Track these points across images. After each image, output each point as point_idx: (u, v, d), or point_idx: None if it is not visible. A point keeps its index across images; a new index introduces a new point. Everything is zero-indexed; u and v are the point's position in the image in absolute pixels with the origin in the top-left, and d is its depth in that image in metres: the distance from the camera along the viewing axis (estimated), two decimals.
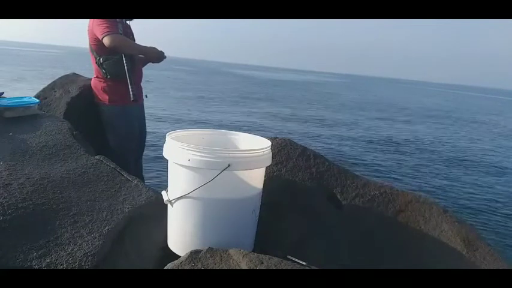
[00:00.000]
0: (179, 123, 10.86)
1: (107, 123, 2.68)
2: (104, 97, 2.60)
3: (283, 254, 1.53)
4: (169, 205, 1.69)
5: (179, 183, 1.61)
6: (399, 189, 2.12)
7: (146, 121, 3.04)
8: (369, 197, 2.02)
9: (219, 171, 1.49)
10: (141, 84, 2.83)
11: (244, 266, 1.32)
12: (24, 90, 11.96)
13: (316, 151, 2.28)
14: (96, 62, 2.55)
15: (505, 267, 1.75)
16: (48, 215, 1.56)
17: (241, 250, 1.41)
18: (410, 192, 2.10)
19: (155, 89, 18.96)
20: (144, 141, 3.04)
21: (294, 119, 14.21)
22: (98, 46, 2.49)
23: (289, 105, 18.95)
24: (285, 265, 1.32)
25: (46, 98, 2.88)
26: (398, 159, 9.09)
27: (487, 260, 1.76)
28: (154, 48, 2.65)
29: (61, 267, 1.34)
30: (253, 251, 1.60)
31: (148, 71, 3.15)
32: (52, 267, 1.33)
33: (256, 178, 1.67)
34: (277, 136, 2.34)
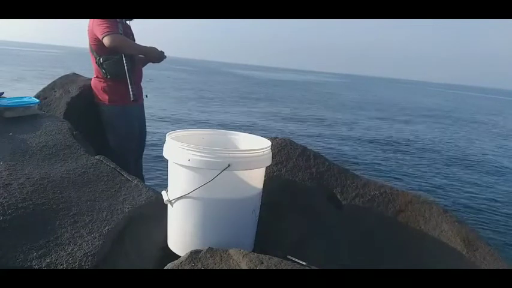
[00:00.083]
0: (179, 123, 10.86)
1: (107, 123, 2.68)
2: (104, 97, 2.60)
3: (283, 254, 1.53)
4: (169, 205, 1.69)
5: (179, 183, 1.61)
6: (399, 189, 2.12)
7: (146, 121, 3.04)
8: (369, 197, 2.02)
9: (219, 171, 1.49)
10: (141, 84, 2.83)
11: (244, 266, 1.32)
12: (24, 90, 11.96)
13: (316, 151, 2.28)
14: (96, 62, 2.55)
15: (505, 267, 1.75)
16: (48, 215, 1.56)
17: (241, 250, 1.41)
18: (410, 192, 2.10)
19: (155, 89, 18.96)
20: (144, 141, 3.04)
21: (294, 119, 14.22)
22: (98, 46, 2.49)
23: (289, 105, 18.95)
24: (285, 265, 1.32)
25: (46, 98, 2.88)
26: (398, 159, 9.09)
27: (487, 260, 1.76)
28: (154, 48, 2.65)
29: (61, 267, 1.34)
30: (253, 251, 1.59)
31: (148, 71, 3.15)
32: (52, 267, 1.33)
33: (256, 178, 1.67)
34: (277, 136, 2.34)
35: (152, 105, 12.63)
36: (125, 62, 2.43)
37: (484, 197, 6.79)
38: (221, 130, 2.02)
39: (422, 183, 7.22)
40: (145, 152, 3.08)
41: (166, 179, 1.71)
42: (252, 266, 1.31)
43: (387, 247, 1.85)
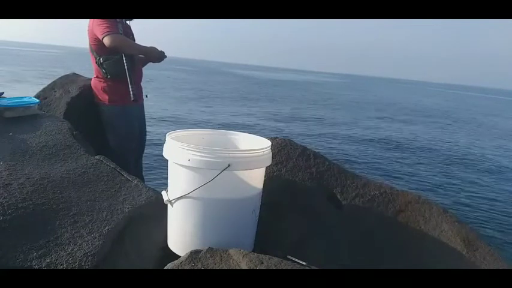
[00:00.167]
0: (179, 123, 10.86)
1: (107, 123, 2.68)
2: (104, 97, 2.60)
3: (283, 254, 1.53)
4: (169, 205, 1.69)
5: (179, 183, 1.61)
6: (399, 189, 2.12)
7: (146, 121, 3.04)
8: (369, 197, 2.02)
9: (219, 171, 1.49)
10: (141, 84, 2.83)
11: (244, 266, 1.32)
12: (24, 90, 11.96)
13: (316, 151, 2.28)
14: (96, 62, 2.55)
15: (505, 267, 1.75)
16: (48, 215, 1.56)
17: (241, 250, 1.41)
18: (410, 192, 2.10)
19: (155, 89, 18.97)
20: (144, 141, 3.04)
21: (294, 119, 14.22)
22: (98, 46, 2.49)
23: (289, 105, 18.96)
24: (285, 265, 1.32)
25: (46, 98, 2.88)
26: (398, 159, 9.09)
27: (487, 260, 1.76)
28: (154, 48, 2.65)
29: (61, 267, 1.34)
30: (253, 251, 1.59)
31: (148, 71, 3.15)
32: (52, 267, 1.33)
33: (256, 178, 1.67)
34: (277, 136, 2.34)
35: (152, 105, 12.64)
36: (125, 62, 2.43)
37: (484, 196, 6.79)
38: (221, 130, 2.02)
39: (422, 183, 7.22)
40: (145, 152, 3.08)
41: (166, 179, 1.71)
42: (252, 266, 1.31)
43: (387, 247, 1.85)
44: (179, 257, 1.48)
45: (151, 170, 5.27)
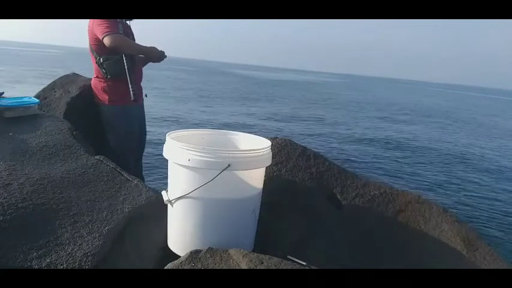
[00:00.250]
0: (179, 123, 10.86)
1: (107, 123, 2.68)
2: (104, 97, 2.60)
3: (283, 254, 1.53)
4: (169, 205, 1.69)
5: (179, 183, 1.61)
6: (399, 189, 2.12)
7: (146, 121, 3.04)
8: (369, 197, 2.02)
9: (219, 171, 1.49)
10: (141, 84, 2.83)
11: (244, 266, 1.32)
12: (24, 90, 11.96)
13: (316, 151, 2.28)
14: (96, 62, 2.55)
15: (505, 267, 1.75)
16: (48, 215, 1.56)
17: (241, 250, 1.41)
18: (410, 192, 2.11)
19: (155, 89, 18.96)
20: (144, 141, 3.04)
21: (294, 119, 14.22)
22: (98, 46, 2.49)
23: (289, 105, 18.95)
24: (285, 265, 1.32)
25: (46, 98, 2.88)
26: (398, 158, 9.09)
27: (487, 260, 1.76)
28: (154, 48, 2.65)
29: (61, 267, 1.34)
30: (253, 251, 1.60)
31: (148, 71, 3.15)
32: (52, 267, 1.33)
33: (256, 178, 1.67)
34: (277, 136, 2.34)
35: (152, 105, 12.63)
36: (125, 61, 2.43)
37: (484, 196, 6.79)
38: (221, 130, 2.02)
39: (422, 183, 7.22)
40: (145, 152, 3.08)
41: (166, 179, 1.71)
42: (252, 266, 1.31)
43: (387, 247, 1.85)
44: (179, 257, 1.48)
45: (151, 170, 5.27)
